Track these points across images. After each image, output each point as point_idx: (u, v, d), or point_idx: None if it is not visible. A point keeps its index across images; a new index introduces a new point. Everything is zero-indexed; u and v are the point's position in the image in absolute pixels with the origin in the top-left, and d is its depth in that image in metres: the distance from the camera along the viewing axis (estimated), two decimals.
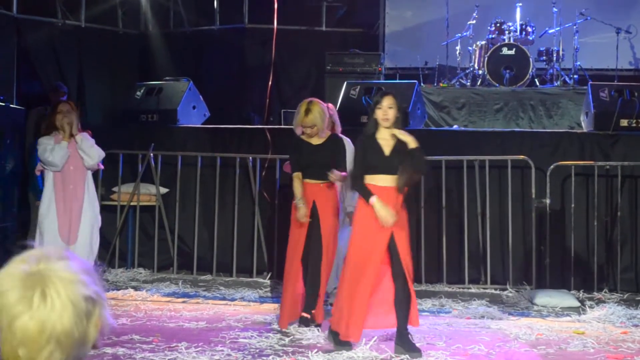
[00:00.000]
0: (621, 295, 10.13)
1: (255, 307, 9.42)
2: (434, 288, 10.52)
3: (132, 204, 11.43)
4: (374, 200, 7.21)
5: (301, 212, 8.15)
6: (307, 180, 8.29)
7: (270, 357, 7.13)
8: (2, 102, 11.10)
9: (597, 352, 7.51)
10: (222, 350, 7.34)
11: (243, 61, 15.22)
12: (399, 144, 7.31)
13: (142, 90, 12.45)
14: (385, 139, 7.37)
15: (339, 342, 7.41)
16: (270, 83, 12.71)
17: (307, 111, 8.25)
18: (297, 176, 8.31)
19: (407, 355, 7.16)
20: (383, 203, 7.20)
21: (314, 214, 8.24)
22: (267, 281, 10.92)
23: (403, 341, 7.26)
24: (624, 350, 7.59)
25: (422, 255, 10.53)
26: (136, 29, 15.76)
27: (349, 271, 7.36)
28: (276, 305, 9.34)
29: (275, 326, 8.31)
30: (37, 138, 9.85)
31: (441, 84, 14.18)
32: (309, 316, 8.19)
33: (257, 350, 7.40)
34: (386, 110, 7.34)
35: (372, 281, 7.28)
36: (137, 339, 7.68)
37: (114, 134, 11.87)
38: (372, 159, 7.33)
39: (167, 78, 13.01)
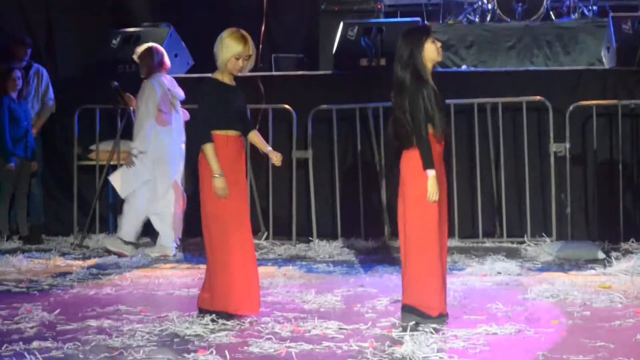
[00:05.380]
0: None
1: None
2: None
3: (112, 163, 11.36)
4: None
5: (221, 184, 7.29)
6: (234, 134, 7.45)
7: (270, 324, 7.10)
8: None
9: (625, 307, 7.52)
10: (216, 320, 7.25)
11: (227, 4, 15.10)
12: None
13: (118, 39, 12.37)
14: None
15: None
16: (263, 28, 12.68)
17: (245, 38, 7.51)
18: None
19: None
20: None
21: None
22: (263, 242, 10.94)
23: None
24: None
25: None
26: None
27: None
28: (273, 269, 9.41)
29: (272, 290, 8.32)
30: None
31: (447, 21, 14.12)
32: None
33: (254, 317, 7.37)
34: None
35: None
36: (123, 310, 7.66)
37: (90, 88, 11.82)
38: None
39: (145, 24, 12.92)
